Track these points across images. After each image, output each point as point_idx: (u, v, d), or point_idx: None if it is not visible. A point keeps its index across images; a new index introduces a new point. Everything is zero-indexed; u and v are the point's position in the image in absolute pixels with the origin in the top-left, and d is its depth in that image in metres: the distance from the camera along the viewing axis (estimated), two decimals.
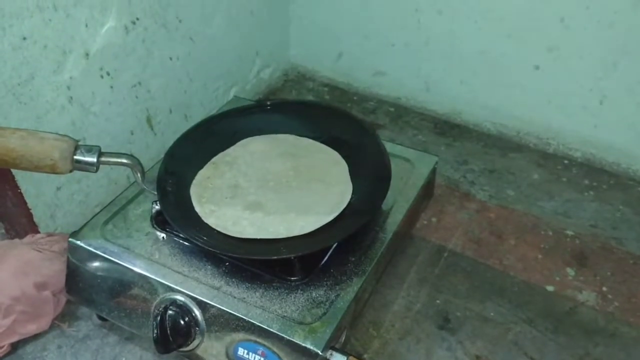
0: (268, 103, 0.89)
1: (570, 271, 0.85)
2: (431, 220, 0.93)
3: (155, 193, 0.72)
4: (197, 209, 0.74)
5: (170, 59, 0.93)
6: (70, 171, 0.67)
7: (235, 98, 1.07)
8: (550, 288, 0.83)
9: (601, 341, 0.76)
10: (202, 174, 0.79)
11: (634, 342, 0.76)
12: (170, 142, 0.82)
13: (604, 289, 0.83)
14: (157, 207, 0.73)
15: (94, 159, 0.66)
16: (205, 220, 0.72)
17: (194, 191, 0.76)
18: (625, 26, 0.91)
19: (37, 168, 0.65)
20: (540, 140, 1.08)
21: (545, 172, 1.03)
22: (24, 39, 0.70)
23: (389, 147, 0.83)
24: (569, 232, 0.91)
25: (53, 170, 0.65)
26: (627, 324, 0.78)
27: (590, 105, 1.00)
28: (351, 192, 0.76)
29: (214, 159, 0.81)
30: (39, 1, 0.70)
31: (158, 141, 0.96)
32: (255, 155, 0.82)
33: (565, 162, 1.05)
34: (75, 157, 0.66)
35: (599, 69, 0.97)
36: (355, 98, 1.23)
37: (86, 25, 0.77)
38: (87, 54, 0.79)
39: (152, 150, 0.95)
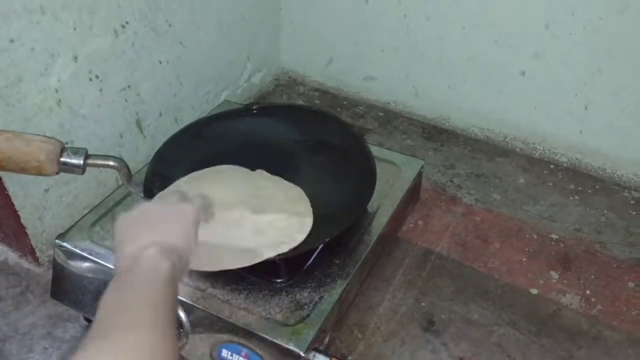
0: (255, 107, 0.90)
1: (555, 274, 0.86)
2: (418, 223, 0.94)
3: (142, 195, 0.73)
4: None
5: (160, 62, 0.94)
6: (57, 173, 0.67)
7: (226, 102, 1.08)
8: (534, 291, 0.84)
9: (584, 344, 0.77)
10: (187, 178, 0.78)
11: (616, 345, 0.77)
12: (160, 145, 0.83)
13: (588, 292, 0.84)
14: None
15: (80, 161, 0.67)
16: None
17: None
18: (610, 32, 0.92)
19: (23, 170, 0.65)
20: (527, 145, 1.09)
21: (531, 176, 1.04)
22: (12, 41, 0.70)
23: (376, 151, 0.84)
24: (554, 236, 0.92)
25: (39, 172, 0.66)
26: (610, 327, 0.79)
27: (575, 111, 1.01)
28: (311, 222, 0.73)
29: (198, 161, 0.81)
30: (27, 4, 0.70)
31: (148, 144, 0.96)
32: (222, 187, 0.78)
33: (551, 166, 1.06)
34: (62, 159, 0.66)
35: (584, 75, 0.98)
36: (345, 103, 1.24)
37: (74, 29, 0.78)
38: (75, 57, 0.79)
39: (142, 153, 0.95)
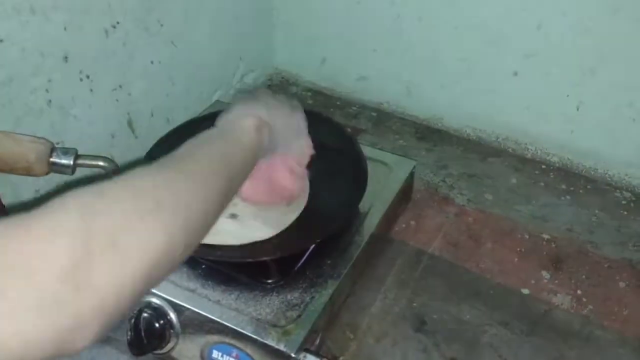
0: None
1: (546, 274, 0.86)
2: (410, 223, 0.94)
3: None
4: None
5: (152, 62, 0.94)
6: (47, 173, 0.67)
7: (218, 102, 1.08)
8: (525, 291, 0.84)
9: (576, 344, 0.77)
10: None
11: (607, 345, 0.77)
12: (152, 146, 0.83)
13: (579, 292, 0.84)
14: None
15: (70, 162, 0.67)
16: None
17: None
18: (601, 33, 0.93)
19: (12, 170, 0.65)
20: (519, 146, 1.09)
21: (523, 176, 1.04)
22: (1, 41, 0.70)
23: (368, 151, 0.84)
24: (546, 236, 0.92)
25: (28, 172, 0.66)
26: (601, 327, 0.79)
27: (567, 111, 1.01)
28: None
29: None
30: (16, 3, 0.70)
31: (139, 144, 0.96)
32: None
33: (543, 166, 1.07)
34: (52, 159, 0.66)
35: (576, 75, 0.98)
36: (338, 103, 1.24)
37: (65, 29, 0.77)
38: (66, 57, 0.79)
39: (133, 154, 0.95)
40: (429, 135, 1.15)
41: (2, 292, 0.28)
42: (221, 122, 0.58)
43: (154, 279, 0.36)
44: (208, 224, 0.43)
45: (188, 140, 0.50)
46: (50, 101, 0.79)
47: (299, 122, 0.68)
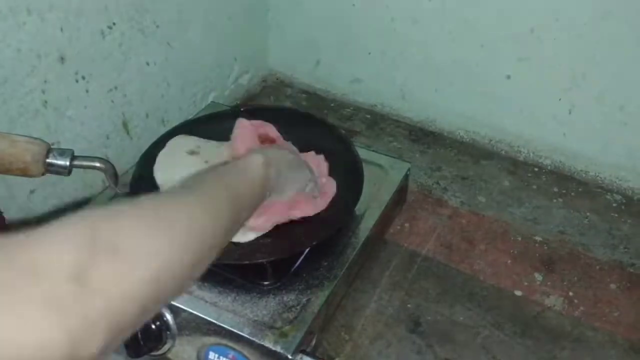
0: (242, 109, 0.90)
1: (538, 276, 0.87)
2: (404, 225, 0.95)
3: None
4: None
5: (147, 63, 0.94)
6: (43, 174, 0.67)
7: (213, 103, 1.08)
8: (518, 293, 0.85)
9: (567, 345, 0.78)
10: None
11: (599, 346, 0.78)
12: (147, 147, 0.83)
13: (571, 293, 0.85)
14: None
15: (66, 163, 0.67)
16: None
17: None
18: (594, 37, 0.94)
19: (8, 171, 0.65)
20: (512, 148, 1.10)
21: (515, 179, 1.05)
22: None
23: (363, 153, 0.84)
24: (538, 238, 0.93)
25: (25, 173, 0.65)
26: (593, 329, 0.80)
27: (559, 115, 1.03)
28: None
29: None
30: (12, 4, 0.70)
31: (134, 146, 0.96)
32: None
33: (535, 169, 1.08)
34: (48, 160, 0.66)
35: (568, 79, 0.99)
36: (332, 105, 1.24)
37: (61, 30, 0.77)
38: (62, 58, 0.79)
39: (129, 155, 0.95)
40: (422, 137, 1.15)
41: (12, 292, 0.29)
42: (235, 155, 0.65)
43: (161, 293, 0.37)
44: (215, 247, 0.44)
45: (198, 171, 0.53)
46: (45, 102, 0.79)
47: (306, 168, 0.74)
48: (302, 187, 0.72)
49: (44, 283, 0.30)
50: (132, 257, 0.34)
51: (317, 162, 0.80)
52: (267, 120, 0.88)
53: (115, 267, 0.33)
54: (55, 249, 0.32)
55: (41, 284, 0.30)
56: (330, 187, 0.78)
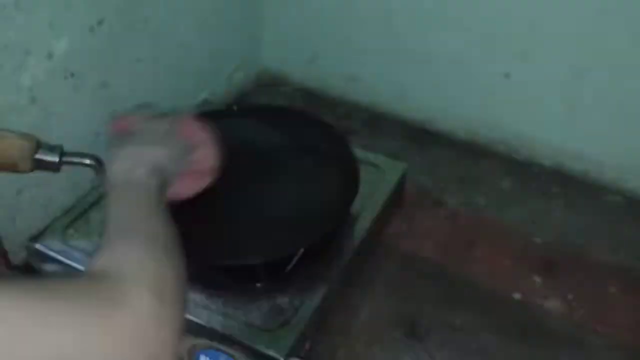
0: (236, 108, 0.88)
1: (538, 279, 0.86)
2: (401, 227, 0.93)
3: None
4: None
5: (138, 60, 0.92)
6: (32, 170, 0.65)
7: (205, 101, 1.06)
8: (517, 296, 0.83)
9: (567, 349, 0.76)
10: None
11: (599, 349, 0.77)
12: None
13: (571, 296, 0.83)
14: None
15: (55, 159, 0.65)
16: None
17: None
18: (594, 35, 0.92)
19: None
20: (512, 148, 1.09)
21: (515, 179, 1.04)
22: None
23: (359, 153, 0.83)
24: (538, 240, 0.92)
25: (13, 169, 0.64)
26: (593, 332, 0.79)
27: (559, 114, 1.01)
28: None
29: None
30: (0, 0, 0.68)
31: None
32: None
33: (535, 170, 1.06)
34: (36, 156, 0.64)
35: (568, 78, 0.98)
36: (328, 103, 1.22)
37: (50, 25, 0.76)
38: (50, 55, 0.77)
39: None
40: (420, 137, 1.13)
41: (110, 321, 0.38)
42: (113, 181, 0.59)
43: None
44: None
45: (107, 210, 0.54)
46: (34, 99, 0.77)
47: (184, 138, 0.69)
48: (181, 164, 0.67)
49: (132, 315, 0.39)
50: (181, 296, 0.45)
51: (192, 131, 0.71)
52: (262, 119, 0.87)
53: (175, 307, 0.43)
54: (136, 290, 0.40)
55: (130, 316, 0.39)
56: (206, 159, 0.71)
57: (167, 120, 0.69)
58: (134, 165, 0.59)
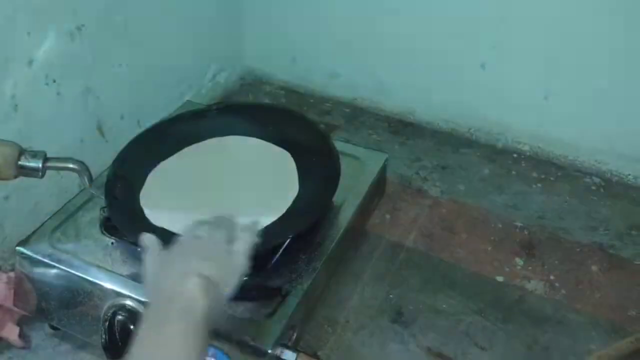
0: (217, 106, 0.89)
1: (519, 261, 0.88)
2: (385, 217, 0.95)
3: (103, 198, 0.72)
4: (147, 212, 0.74)
5: (120, 64, 0.93)
6: (15, 177, 0.66)
7: (189, 102, 1.07)
8: (500, 278, 0.85)
9: (549, 328, 0.78)
10: (150, 179, 0.79)
11: (580, 328, 0.79)
12: (122, 148, 0.82)
13: (552, 277, 0.85)
14: (106, 213, 0.73)
15: (39, 165, 0.66)
16: (155, 224, 0.72)
17: (143, 194, 0.76)
18: (567, 22, 0.94)
19: None
20: (491, 136, 1.11)
21: (495, 166, 1.06)
22: None
23: (340, 146, 0.84)
24: (518, 224, 0.94)
25: None
26: (574, 311, 0.81)
27: (535, 101, 1.03)
28: (297, 189, 0.77)
29: (161, 164, 0.81)
30: None
31: (110, 148, 0.94)
32: (202, 158, 0.82)
33: (515, 156, 1.08)
34: (20, 162, 0.65)
35: (543, 66, 1.00)
36: (311, 100, 1.24)
37: (28, 33, 0.76)
38: (30, 62, 0.78)
39: (104, 158, 0.92)
40: (402, 129, 1.15)
41: None
42: (160, 295, 0.49)
43: None
44: None
45: (140, 332, 0.46)
46: (16, 106, 0.78)
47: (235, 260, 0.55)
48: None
49: None
50: None
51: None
52: (244, 117, 0.88)
53: None
54: None
55: None
56: None
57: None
58: (185, 272, 0.49)
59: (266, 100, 1.23)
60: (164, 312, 0.47)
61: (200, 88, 1.16)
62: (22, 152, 0.66)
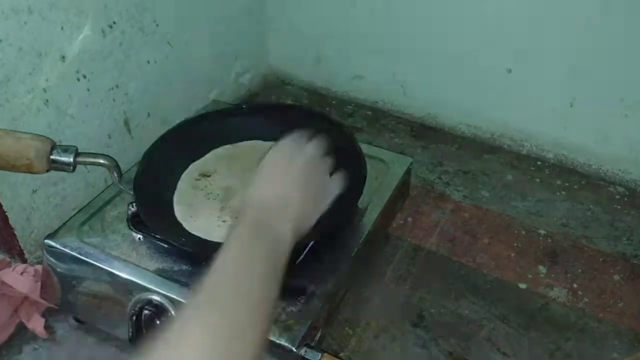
0: (244, 106, 0.90)
1: (542, 269, 0.87)
2: (407, 220, 0.95)
3: (132, 193, 0.73)
4: (175, 210, 0.74)
5: (148, 62, 0.94)
6: (47, 171, 0.67)
7: (214, 102, 1.08)
8: (522, 285, 0.85)
9: (572, 336, 0.78)
10: (184, 179, 0.80)
11: (603, 336, 0.78)
12: (148, 146, 0.83)
13: (575, 285, 0.85)
14: (134, 208, 0.73)
15: (70, 159, 0.67)
16: (183, 223, 0.73)
17: (176, 193, 0.77)
18: (594, 31, 0.94)
19: (13, 167, 0.65)
20: (514, 142, 1.10)
21: (518, 173, 1.05)
22: None
23: (365, 148, 0.84)
24: (541, 231, 0.93)
25: (29, 169, 0.66)
26: (597, 319, 0.80)
27: (560, 108, 1.03)
28: None
29: (194, 164, 0.82)
30: (14, 4, 0.70)
31: (136, 145, 0.96)
32: (234, 160, 0.83)
33: (538, 163, 1.08)
34: (52, 156, 0.66)
35: (569, 72, 0.99)
36: (333, 102, 1.24)
37: (62, 29, 0.78)
38: (63, 57, 0.79)
39: (130, 154, 0.95)
40: (424, 133, 1.15)
41: None
42: (254, 220, 0.53)
43: None
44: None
45: (226, 246, 0.50)
46: (47, 101, 0.79)
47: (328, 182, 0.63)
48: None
49: None
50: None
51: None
52: (270, 117, 0.88)
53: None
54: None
55: None
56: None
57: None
58: (281, 210, 0.53)
59: (289, 101, 1.24)
60: (253, 242, 0.51)
61: (225, 88, 1.17)
62: (54, 146, 0.67)
